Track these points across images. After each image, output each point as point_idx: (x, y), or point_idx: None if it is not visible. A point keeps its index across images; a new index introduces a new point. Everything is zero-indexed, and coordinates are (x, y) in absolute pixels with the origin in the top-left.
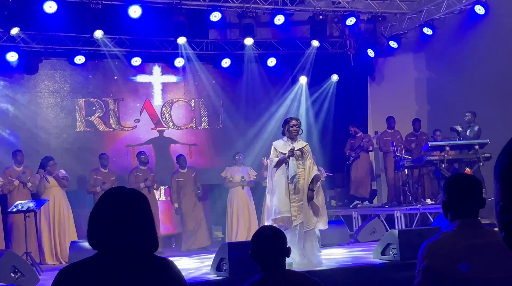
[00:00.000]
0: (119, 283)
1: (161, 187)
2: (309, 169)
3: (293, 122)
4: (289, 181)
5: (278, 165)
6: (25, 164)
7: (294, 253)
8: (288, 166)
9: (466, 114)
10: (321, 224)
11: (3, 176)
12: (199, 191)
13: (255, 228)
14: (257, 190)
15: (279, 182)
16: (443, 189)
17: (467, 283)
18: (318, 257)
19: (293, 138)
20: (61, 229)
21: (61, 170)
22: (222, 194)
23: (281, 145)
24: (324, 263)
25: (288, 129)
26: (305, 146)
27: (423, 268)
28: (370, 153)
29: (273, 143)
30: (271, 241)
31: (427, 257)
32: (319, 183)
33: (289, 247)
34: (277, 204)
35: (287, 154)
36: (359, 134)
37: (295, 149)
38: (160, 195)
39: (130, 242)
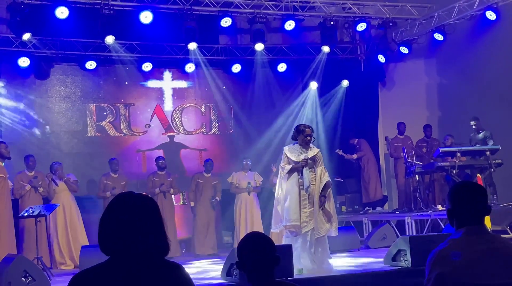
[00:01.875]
0: None
1: None
2: (321, 175)
3: (308, 131)
4: (302, 189)
5: (290, 173)
6: (37, 169)
7: (305, 259)
8: (302, 175)
9: (471, 123)
10: (333, 231)
11: (15, 180)
12: (213, 200)
13: None
14: (264, 196)
15: (291, 190)
16: (447, 198)
17: None
18: (329, 263)
19: (305, 147)
20: (72, 234)
21: (71, 174)
22: (233, 199)
23: (293, 154)
24: (334, 269)
25: (303, 138)
26: (317, 153)
27: (434, 276)
28: (380, 157)
29: (284, 148)
30: (257, 249)
31: (437, 264)
32: (329, 189)
33: (278, 256)
34: (288, 212)
35: (300, 164)
36: (355, 141)
37: (308, 157)
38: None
39: (140, 247)
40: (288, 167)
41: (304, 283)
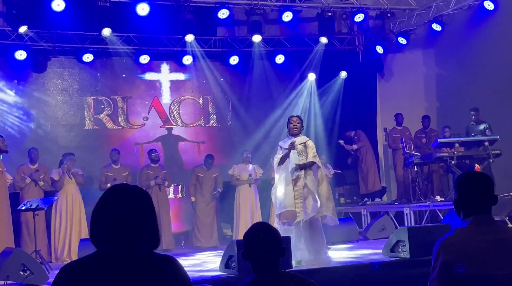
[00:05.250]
0: (120, 280)
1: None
2: (312, 157)
3: (293, 119)
4: (291, 174)
5: (282, 161)
6: (39, 162)
7: (302, 250)
8: (290, 159)
9: (471, 113)
10: (331, 218)
11: (16, 173)
12: (215, 192)
13: None
14: (264, 189)
15: (284, 178)
16: (454, 188)
17: (482, 279)
18: (326, 254)
19: (293, 135)
20: (77, 227)
21: (77, 168)
22: (231, 191)
23: (284, 143)
24: (332, 261)
25: (289, 127)
26: (307, 141)
27: (439, 264)
28: (379, 149)
29: (279, 143)
30: (264, 240)
31: (442, 253)
32: (319, 172)
33: (283, 247)
34: (282, 199)
35: (288, 148)
36: (352, 133)
37: (296, 143)
38: (169, 192)
39: (132, 239)
40: (279, 156)
41: (302, 275)
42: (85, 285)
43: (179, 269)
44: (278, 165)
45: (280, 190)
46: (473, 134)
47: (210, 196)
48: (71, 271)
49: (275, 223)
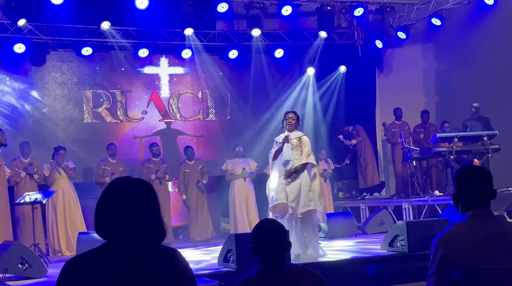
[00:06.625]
0: (125, 273)
1: None
2: (306, 156)
3: (289, 115)
4: (283, 166)
5: (276, 156)
6: (33, 155)
7: (292, 243)
8: (283, 152)
9: (474, 105)
10: (320, 215)
11: (10, 167)
12: (200, 184)
13: (255, 220)
14: (260, 181)
15: (277, 172)
16: (453, 182)
17: (480, 273)
18: (316, 249)
19: (289, 130)
20: (70, 221)
21: (69, 161)
22: (227, 186)
23: (280, 138)
24: (329, 255)
25: (285, 122)
26: (302, 136)
27: (437, 258)
28: (378, 143)
29: (275, 139)
30: (272, 235)
31: (441, 247)
32: (313, 169)
33: (289, 242)
34: (274, 192)
35: (282, 141)
36: (350, 128)
37: (291, 138)
38: (168, 186)
39: (136, 232)
40: (273, 150)
41: None
42: (92, 279)
43: (182, 261)
44: (272, 160)
45: (273, 183)
46: (468, 129)
47: (197, 189)
48: (76, 264)
49: (271, 217)
